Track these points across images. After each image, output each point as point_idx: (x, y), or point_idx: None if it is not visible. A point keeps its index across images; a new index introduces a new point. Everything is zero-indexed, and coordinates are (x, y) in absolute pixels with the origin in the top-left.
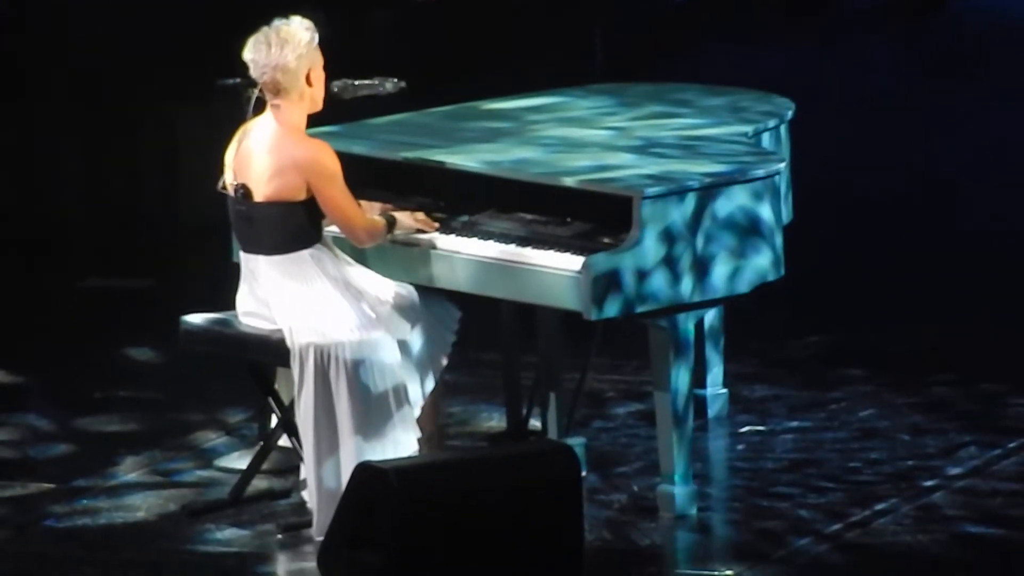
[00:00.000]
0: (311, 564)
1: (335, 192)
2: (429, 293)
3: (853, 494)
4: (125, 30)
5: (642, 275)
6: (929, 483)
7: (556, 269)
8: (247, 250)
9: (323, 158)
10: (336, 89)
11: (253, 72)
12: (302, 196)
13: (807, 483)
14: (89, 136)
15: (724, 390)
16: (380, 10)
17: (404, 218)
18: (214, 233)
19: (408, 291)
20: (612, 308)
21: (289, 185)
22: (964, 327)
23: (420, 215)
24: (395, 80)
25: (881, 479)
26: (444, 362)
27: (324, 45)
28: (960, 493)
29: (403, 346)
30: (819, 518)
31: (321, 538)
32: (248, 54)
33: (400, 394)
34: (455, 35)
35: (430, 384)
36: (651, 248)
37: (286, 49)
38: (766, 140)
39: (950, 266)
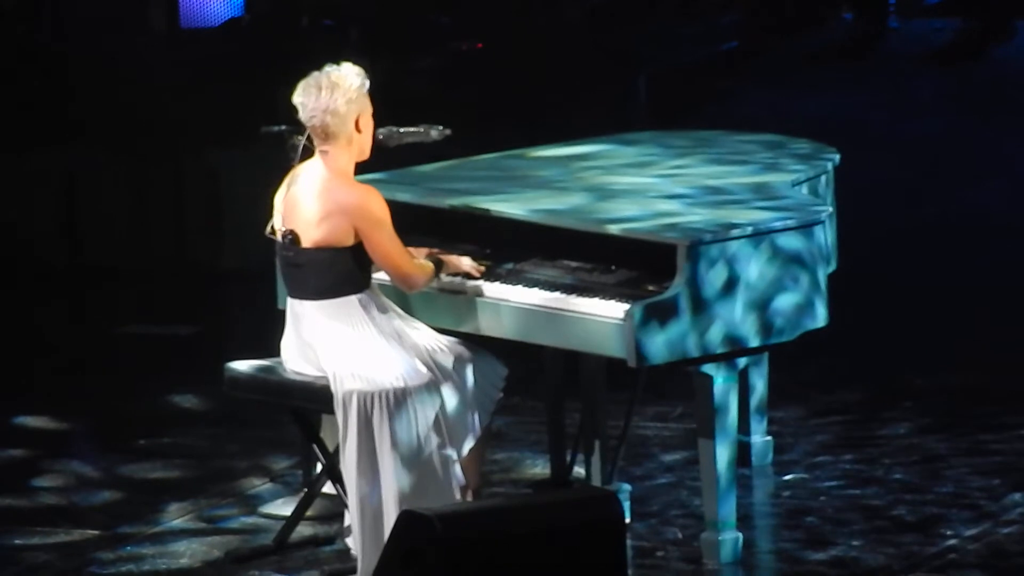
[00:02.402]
0: None
1: (383, 237)
2: (477, 349)
3: (898, 541)
4: (168, 76)
5: (686, 323)
6: (976, 530)
7: (600, 316)
8: (294, 295)
9: (371, 203)
10: (382, 137)
11: (302, 115)
12: (350, 241)
13: (852, 530)
14: (133, 181)
15: (768, 437)
16: (425, 57)
17: (450, 261)
18: (258, 278)
19: (455, 342)
20: (656, 355)
21: (337, 230)
22: (1010, 372)
23: (466, 259)
24: (440, 128)
25: (927, 527)
26: (488, 418)
27: (370, 92)
28: (1007, 540)
29: (448, 395)
30: (864, 566)
31: None
32: (298, 97)
33: (444, 442)
34: (499, 82)
35: (475, 433)
36: (695, 296)
37: (336, 93)
38: (811, 188)
39: (995, 309)
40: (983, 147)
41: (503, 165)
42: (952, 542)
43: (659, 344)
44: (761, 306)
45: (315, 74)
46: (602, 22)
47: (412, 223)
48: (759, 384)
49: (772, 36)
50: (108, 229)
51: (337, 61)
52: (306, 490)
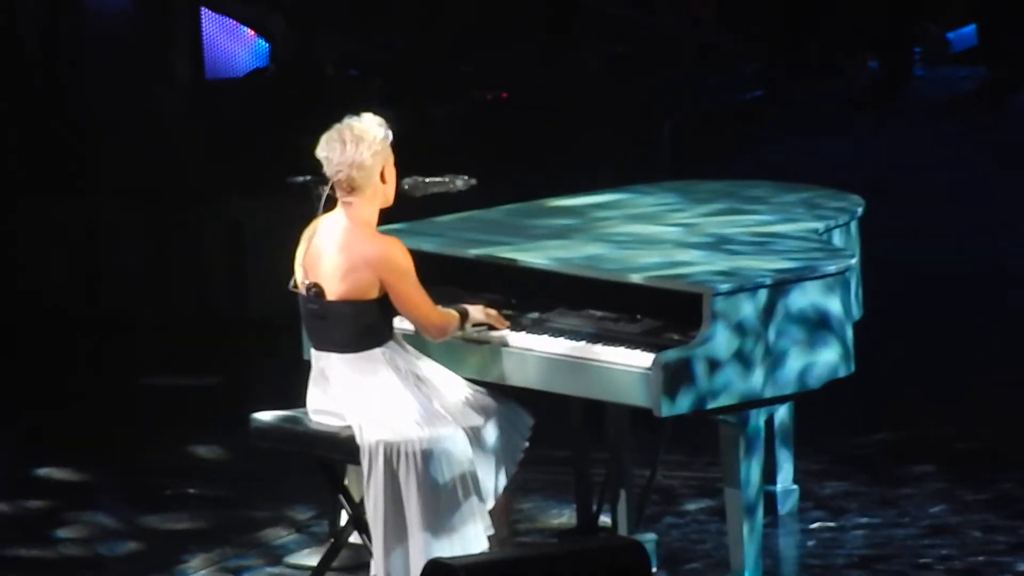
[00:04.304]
0: None
1: (408, 288)
2: (503, 398)
3: None
4: (190, 126)
5: (712, 371)
6: None
7: (626, 366)
8: (319, 348)
9: (395, 255)
10: (407, 187)
11: (327, 170)
12: (375, 294)
13: None
14: (155, 232)
15: (795, 486)
16: (449, 106)
17: (476, 312)
18: (283, 329)
19: (481, 392)
20: (682, 404)
21: (362, 283)
22: None
23: (491, 310)
24: (465, 177)
25: (953, 575)
26: (515, 467)
27: (394, 142)
28: None
29: (474, 444)
30: None
31: None
32: (322, 152)
33: (470, 491)
34: (523, 131)
35: (502, 482)
36: (721, 344)
37: (361, 146)
38: (836, 236)
39: (1020, 360)
40: (1008, 196)
41: (525, 214)
42: None
43: (685, 393)
44: (786, 354)
45: (337, 127)
46: (625, 71)
47: (435, 273)
48: (785, 432)
49: (796, 84)
50: (129, 280)
51: (358, 112)
52: (332, 540)
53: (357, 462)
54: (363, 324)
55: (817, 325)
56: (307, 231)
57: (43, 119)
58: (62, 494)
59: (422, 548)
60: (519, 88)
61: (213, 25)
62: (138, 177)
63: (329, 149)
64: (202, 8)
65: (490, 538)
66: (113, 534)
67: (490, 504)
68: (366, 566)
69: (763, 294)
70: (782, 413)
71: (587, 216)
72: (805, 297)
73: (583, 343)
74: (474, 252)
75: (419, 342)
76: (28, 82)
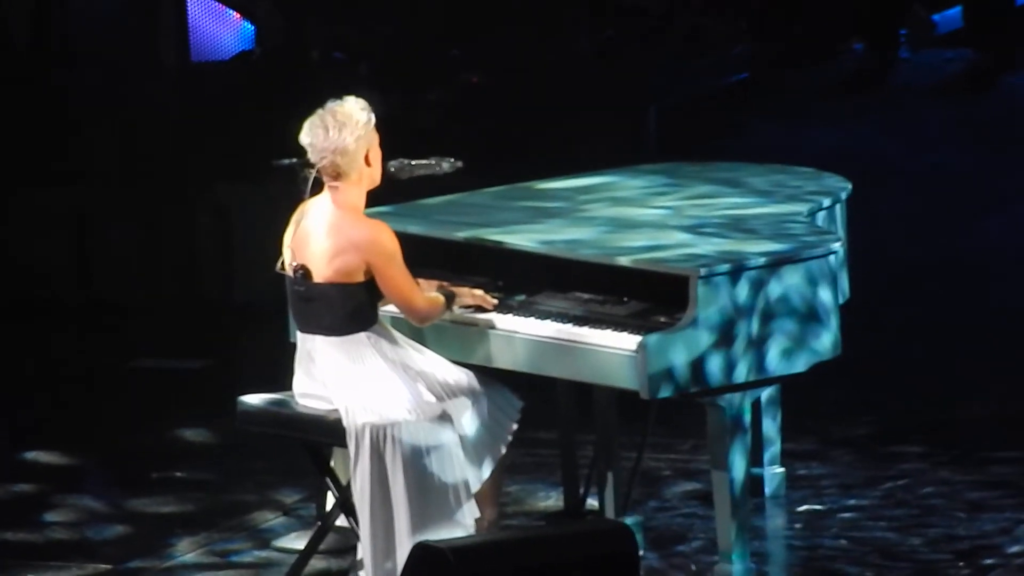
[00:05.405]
0: None
1: (394, 272)
2: (491, 381)
3: (911, 572)
4: (179, 110)
5: (698, 354)
6: (988, 561)
7: (612, 348)
8: (305, 330)
9: (382, 238)
10: (393, 169)
11: (311, 156)
12: (361, 277)
13: (865, 561)
14: (143, 217)
15: (781, 468)
16: (434, 90)
17: (462, 293)
18: (270, 313)
19: (468, 374)
20: (668, 387)
21: (348, 266)
22: (1022, 403)
23: (478, 291)
24: (452, 160)
25: (939, 557)
26: (503, 449)
27: (379, 125)
28: (1020, 571)
29: (461, 427)
30: None
31: None
32: (305, 138)
33: (457, 474)
34: (509, 114)
35: (488, 467)
36: (707, 327)
37: (344, 132)
38: (822, 219)
39: (1007, 342)
40: (996, 179)
41: (510, 197)
42: (966, 573)
43: (671, 376)
44: (773, 337)
45: (320, 112)
46: (612, 55)
47: (422, 256)
48: (772, 415)
49: (783, 68)
50: (119, 265)
51: (341, 95)
52: (319, 524)
53: (344, 445)
54: (349, 307)
55: (803, 308)
56: (295, 214)
57: (32, 106)
58: (50, 478)
59: (409, 531)
60: (507, 71)
61: (198, 8)
62: (127, 162)
63: (312, 135)
64: None
65: (477, 521)
66: (101, 518)
67: (476, 487)
68: (353, 549)
69: (749, 277)
70: (769, 395)
71: (573, 199)
72: (791, 280)
73: (570, 325)
74: (461, 235)
75: (407, 324)
76: (18, 70)
